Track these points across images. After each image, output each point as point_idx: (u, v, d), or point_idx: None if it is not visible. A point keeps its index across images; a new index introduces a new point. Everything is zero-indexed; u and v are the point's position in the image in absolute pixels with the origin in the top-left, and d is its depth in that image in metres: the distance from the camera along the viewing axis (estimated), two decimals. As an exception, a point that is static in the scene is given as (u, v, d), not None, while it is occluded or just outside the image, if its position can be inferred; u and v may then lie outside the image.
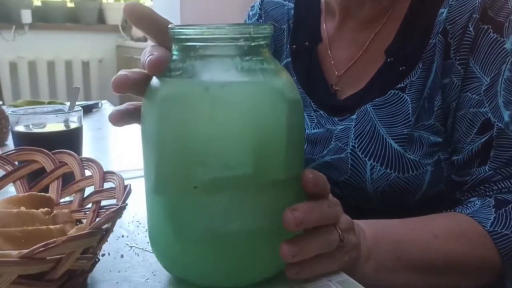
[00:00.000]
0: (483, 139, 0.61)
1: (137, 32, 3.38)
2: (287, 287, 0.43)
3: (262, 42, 0.41)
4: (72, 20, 3.37)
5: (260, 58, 0.41)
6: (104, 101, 1.52)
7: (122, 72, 0.44)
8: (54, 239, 0.33)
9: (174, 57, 0.42)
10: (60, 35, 3.30)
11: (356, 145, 0.66)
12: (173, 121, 0.39)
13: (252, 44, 0.40)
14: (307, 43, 0.76)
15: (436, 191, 0.65)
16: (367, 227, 0.49)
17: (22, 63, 3.18)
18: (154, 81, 0.42)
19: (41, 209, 0.42)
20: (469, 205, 0.61)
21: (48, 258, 0.34)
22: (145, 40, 3.27)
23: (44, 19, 3.28)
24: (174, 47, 0.41)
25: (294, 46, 0.77)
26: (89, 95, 3.34)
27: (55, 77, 3.29)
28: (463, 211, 0.60)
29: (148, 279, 0.45)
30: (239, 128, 0.38)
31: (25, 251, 0.33)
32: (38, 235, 0.37)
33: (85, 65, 3.38)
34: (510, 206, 0.58)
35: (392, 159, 0.64)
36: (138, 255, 0.50)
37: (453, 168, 0.65)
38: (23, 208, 0.41)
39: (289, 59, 0.78)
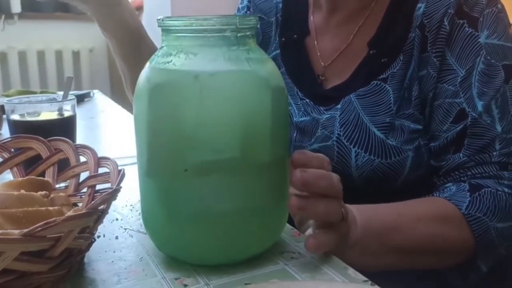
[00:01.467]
0: (458, 128, 0.64)
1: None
2: (273, 263, 0.46)
3: (248, 33, 0.43)
4: (62, 9, 3.35)
5: (246, 48, 0.43)
6: (95, 91, 1.54)
7: None
8: (54, 218, 0.35)
9: (164, 47, 0.44)
10: (50, 24, 3.28)
11: (341, 133, 0.69)
12: (164, 109, 0.42)
13: (238, 34, 0.42)
14: (295, 36, 0.79)
15: (417, 175, 0.68)
16: (359, 214, 0.52)
17: (12, 53, 3.16)
18: (146, 70, 0.44)
19: (40, 192, 0.44)
20: (445, 189, 0.64)
21: (48, 236, 0.36)
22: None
23: (34, 9, 3.25)
24: (164, 37, 0.44)
25: (283, 39, 0.80)
26: (80, 85, 3.33)
27: (46, 67, 3.27)
28: (440, 195, 0.63)
29: (142, 258, 0.47)
30: (226, 114, 0.41)
31: (27, 229, 0.35)
32: (38, 216, 0.39)
33: (76, 54, 3.36)
34: (483, 190, 0.61)
35: (375, 146, 0.67)
36: (132, 237, 0.52)
37: (430, 153, 0.68)
38: (23, 191, 0.43)
39: (278, 51, 0.81)
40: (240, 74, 0.42)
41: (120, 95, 3.13)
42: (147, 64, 0.45)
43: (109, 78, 3.54)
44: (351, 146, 0.68)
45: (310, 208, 0.44)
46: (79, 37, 3.36)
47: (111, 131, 1.13)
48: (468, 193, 0.62)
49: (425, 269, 0.61)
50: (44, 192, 0.45)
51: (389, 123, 0.67)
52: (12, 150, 0.57)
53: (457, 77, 0.64)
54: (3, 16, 3.12)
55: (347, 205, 0.51)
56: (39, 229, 0.35)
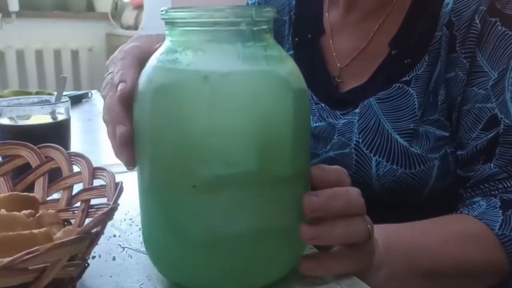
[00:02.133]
0: (489, 136, 0.59)
1: (127, 20, 3.32)
2: (293, 292, 0.40)
3: (265, 27, 0.37)
4: (60, 8, 3.29)
5: (263, 44, 0.37)
6: (94, 91, 1.48)
7: (122, 82, 0.40)
8: (37, 247, 0.30)
9: (169, 43, 0.38)
10: (48, 23, 3.22)
11: (360, 140, 0.64)
12: (169, 114, 0.36)
13: (255, 28, 0.36)
14: (309, 35, 0.73)
15: (444, 186, 0.63)
16: (378, 233, 0.46)
17: (9, 52, 3.10)
18: (147, 70, 0.38)
19: (24, 211, 0.38)
20: (474, 206, 0.58)
21: (30, 268, 0.30)
22: (135, 28, 3.21)
23: (32, 7, 3.19)
24: (168, 31, 0.38)
25: (296, 39, 0.75)
26: (79, 85, 3.28)
27: (44, 67, 3.21)
28: (470, 213, 0.57)
29: (142, 284, 0.42)
30: (241, 121, 0.35)
31: (5, 260, 0.29)
32: (20, 241, 0.33)
33: (75, 54, 3.30)
34: None
35: (398, 154, 0.62)
36: (131, 257, 0.46)
37: (458, 163, 0.63)
38: (3, 211, 0.37)
39: (291, 52, 0.75)
40: (257, 74, 0.36)
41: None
42: (148, 63, 0.39)
43: (109, 78, 3.48)
44: (371, 155, 0.63)
45: (325, 235, 0.38)
46: (78, 36, 3.30)
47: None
48: (501, 211, 0.56)
49: None
50: (29, 210, 0.39)
51: (413, 130, 0.61)
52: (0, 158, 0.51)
53: (489, 80, 0.59)
54: (1, 15, 3.06)
55: None
56: (19, 260, 0.29)
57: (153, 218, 0.39)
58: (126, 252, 0.47)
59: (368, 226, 0.41)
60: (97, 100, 1.40)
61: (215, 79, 0.35)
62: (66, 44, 3.26)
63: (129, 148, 0.39)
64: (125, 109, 0.40)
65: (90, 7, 3.41)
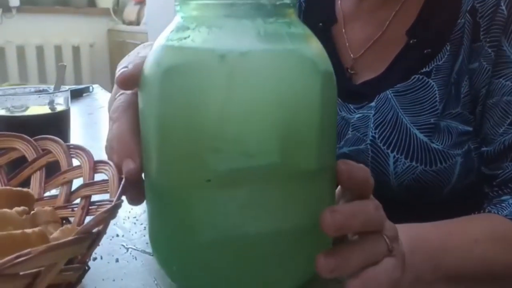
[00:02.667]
0: None
1: (129, 15, 3.28)
2: (316, 299, 0.36)
3: (288, 1, 0.33)
4: (61, 3, 3.25)
5: (286, 20, 0.33)
6: (95, 85, 1.44)
7: (124, 67, 0.36)
8: (30, 249, 0.25)
9: (180, 20, 0.34)
10: (49, 18, 3.18)
11: (377, 136, 0.60)
12: (180, 99, 0.31)
13: (277, 2, 0.32)
14: (320, 24, 0.69)
15: (466, 183, 0.59)
16: (401, 235, 0.42)
17: (10, 47, 3.07)
18: (156, 49, 0.34)
19: (16, 208, 0.34)
20: (503, 204, 0.54)
21: (22, 273, 0.26)
22: (137, 23, 3.16)
23: (32, 2, 3.15)
24: (179, 7, 0.33)
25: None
26: (80, 81, 3.24)
27: (45, 62, 3.18)
28: (499, 212, 0.53)
29: (148, 289, 0.37)
30: (263, 107, 0.31)
31: (-7, 264, 0.25)
32: (11, 242, 0.29)
33: (76, 49, 3.26)
34: None
35: (417, 150, 0.58)
36: (136, 259, 0.42)
37: (483, 160, 0.59)
38: (-8, 208, 0.33)
39: None
40: (281, 54, 0.32)
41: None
42: (156, 44, 0.35)
43: (110, 74, 3.44)
44: (389, 151, 0.59)
45: (344, 265, 0.34)
46: (79, 32, 3.27)
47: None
48: None
49: None
50: (22, 208, 0.35)
51: (434, 124, 0.57)
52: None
53: None
54: (1, 10, 3.02)
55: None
56: (9, 264, 0.25)
57: (161, 216, 0.35)
58: (130, 253, 0.43)
59: (387, 241, 0.37)
60: (99, 95, 1.36)
61: (233, 58, 0.30)
62: (67, 39, 3.22)
63: (136, 186, 0.35)
64: (135, 140, 0.35)
65: (92, 2, 3.38)
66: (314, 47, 0.34)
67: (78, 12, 3.27)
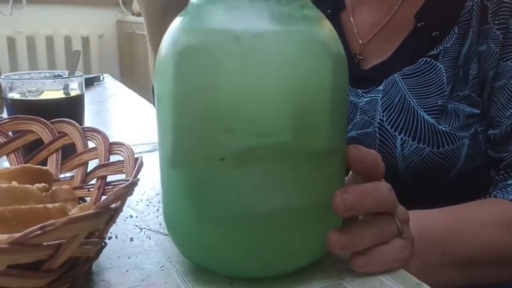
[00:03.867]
0: None
1: (138, 6, 3.28)
2: (325, 276, 0.37)
3: None
4: (70, -6, 3.26)
5: (300, 2, 0.34)
6: (106, 74, 1.45)
7: None
8: (53, 221, 0.27)
9: (194, 1, 0.34)
10: (58, 9, 3.19)
11: (384, 118, 0.60)
12: (195, 79, 0.32)
13: (291, -15, 0.33)
14: (329, 10, 0.69)
15: (473, 166, 0.60)
16: (411, 221, 0.43)
17: (20, 38, 3.08)
18: (170, 32, 0.35)
19: (37, 185, 0.35)
20: (508, 189, 0.55)
21: (45, 244, 0.27)
22: (146, 14, 3.17)
23: (42, -7, 3.17)
24: (195, -11, 0.34)
25: None
26: (89, 71, 3.25)
27: (54, 53, 3.19)
28: (505, 197, 0.54)
29: (162, 266, 0.38)
30: (275, 86, 0.31)
31: (17, 235, 0.26)
32: (33, 216, 0.30)
33: (85, 40, 3.28)
34: None
35: (425, 132, 0.58)
36: (149, 238, 0.43)
37: (489, 142, 0.59)
38: (14, 183, 0.34)
39: None
40: (294, 35, 0.32)
41: (129, 81, 3.04)
42: (172, 25, 0.35)
43: (119, 64, 3.46)
44: (396, 133, 0.59)
45: (355, 242, 0.35)
46: (89, 23, 3.28)
47: (122, 116, 1.04)
48: None
49: (488, 282, 0.52)
50: (42, 184, 0.36)
51: (441, 106, 0.58)
52: (10, 133, 0.48)
53: None
54: (11, 1, 3.03)
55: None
56: (33, 234, 0.26)
57: (176, 194, 0.36)
58: (144, 233, 0.44)
59: (398, 223, 0.38)
60: (109, 84, 1.37)
61: (247, 39, 0.31)
62: (76, 30, 3.23)
63: None
64: None
65: (101, -7, 3.38)
66: (327, 29, 0.34)
67: (87, 3, 3.28)
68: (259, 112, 0.32)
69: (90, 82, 1.31)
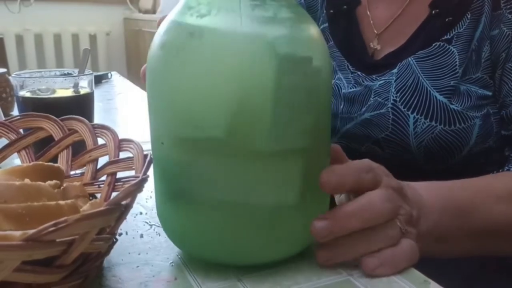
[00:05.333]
0: None
1: (145, 4, 3.29)
2: (334, 273, 0.37)
3: None
4: (78, -8, 3.28)
5: (278, 3, 0.34)
6: (113, 72, 1.46)
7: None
8: (65, 218, 0.27)
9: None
10: (66, 7, 3.21)
11: (398, 99, 0.62)
12: (154, 70, 0.35)
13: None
14: (345, 6, 0.71)
15: (484, 147, 0.60)
16: (432, 195, 0.44)
17: (28, 35, 3.11)
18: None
19: (49, 182, 0.36)
20: None
21: (58, 240, 0.28)
22: (153, 12, 3.18)
23: (50, -9, 3.18)
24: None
25: (331, 11, 0.72)
26: (97, 69, 3.27)
27: (62, 51, 3.21)
28: None
29: (172, 262, 0.39)
30: (213, 85, 0.33)
31: (31, 231, 0.26)
32: (46, 212, 0.31)
33: (92, 38, 3.29)
34: None
35: (437, 111, 0.59)
36: (159, 235, 0.44)
37: (503, 122, 0.60)
38: (27, 180, 0.34)
39: (325, 24, 0.73)
40: (238, 35, 0.33)
41: (137, 78, 3.05)
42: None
43: (126, 62, 3.47)
44: (409, 112, 0.61)
45: (342, 255, 0.37)
46: (96, 20, 3.29)
47: (130, 114, 1.05)
48: None
49: (502, 254, 0.53)
50: (54, 181, 0.36)
51: (454, 87, 0.59)
52: (21, 131, 0.49)
53: None
54: (19, -1, 3.05)
55: (413, 186, 0.43)
56: (47, 231, 0.26)
57: (156, 184, 0.39)
58: (154, 230, 0.45)
59: (399, 224, 0.38)
60: (117, 81, 1.38)
61: (198, 36, 0.33)
62: (84, 28, 3.25)
63: None
64: None
65: (108, -9, 3.39)
66: (284, 30, 0.34)
67: (94, 0, 3.30)
68: (196, 106, 0.33)
69: (98, 80, 1.32)
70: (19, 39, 3.09)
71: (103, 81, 1.36)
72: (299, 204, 0.36)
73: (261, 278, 0.36)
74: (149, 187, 0.55)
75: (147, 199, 0.52)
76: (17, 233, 0.28)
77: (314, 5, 0.75)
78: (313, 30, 0.36)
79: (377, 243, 0.37)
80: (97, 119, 0.87)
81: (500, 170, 0.57)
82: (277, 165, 0.34)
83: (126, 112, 1.07)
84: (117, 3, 3.37)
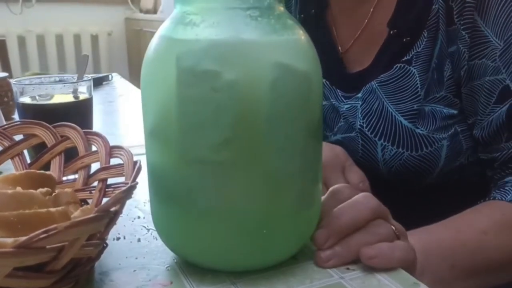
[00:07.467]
0: (504, 108, 0.55)
1: (146, 4, 3.30)
2: (326, 275, 0.38)
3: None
4: (79, -8, 3.29)
5: (276, 13, 0.35)
6: (114, 74, 1.47)
7: None
8: (55, 225, 0.28)
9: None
10: (68, 7, 3.23)
11: (365, 125, 0.62)
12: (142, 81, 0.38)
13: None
14: (313, 10, 0.70)
15: (456, 166, 0.61)
16: (414, 240, 0.44)
17: (30, 36, 3.12)
18: None
19: (40, 189, 0.37)
20: (506, 188, 0.55)
21: (48, 247, 0.29)
22: (154, 12, 3.19)
23: (51, -8, 3.20)
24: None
25: (302, 16, 0.71)
26: (99, 69, 3.29)
27: (64, 51, 3.23)
28: (503, 198, 0.54)
29: (168, 266, 0.40)
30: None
31: (22, 239, 0.28)
32: (37, 220, 0.32)
33: (94, 38, 3.31)
34: None
35: (403, 137, 0.59)
36: (156, 239, 0.45)
37: (478, 144, 0.60)
38: (19, 189, 0.36)
39: None
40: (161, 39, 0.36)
41: (138, 79, 3.06)
42: None
43: (128, 62, 3.48)
44: (376, 139, 0.61)
45: (342, 254, 0.39)
46: (97, 21, 3.31)
47: (131, 116, 1.05)
48: None
49: (503, 283, 0.53)
50: (45, 189, 0.37)
51: (417, 110, 0.59)
52: (16, 138, 0.50)
53: (496, 50, 0.55)
54: (21, 0, 3.07)
55: None
56: (37, 238, 0.28)
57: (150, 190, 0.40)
58: (151, 234, 0.46)
59: (392, 227, 0.40)
60: (118, 83, 1.39)
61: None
62: (86, 28, 3.26)
63: None
64: None
65: (109, -9, 3.40)
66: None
67: (96, 1, 3.31)
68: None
69: (99, 82, 1.33)
70: (21, 40, 3.11)
71: (104, 83, 1.37)
72: (289, 210, 0.36)
73: (255, 281, 0.37)
74: (147, 191, 0.56)
75: (145, 203, 0.53)
76: (9, 240, 0.29)
77: (288, 7, 0.73)
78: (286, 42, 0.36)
79: (372, 240, 0.39)
80: (98, 122, 0.88)
81: (487, 199, 0.56)
82: (239, 174, 0.35)
83: (127, 114, 1.08)
84: (118, 3, 3.38)
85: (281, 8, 0.35)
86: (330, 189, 0.43)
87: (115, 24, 3.39)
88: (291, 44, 0.35)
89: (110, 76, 1.41)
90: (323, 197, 0.42)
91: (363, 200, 0.40)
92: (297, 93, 0.34)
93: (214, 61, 0.32)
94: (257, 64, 0.33)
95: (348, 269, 0.38)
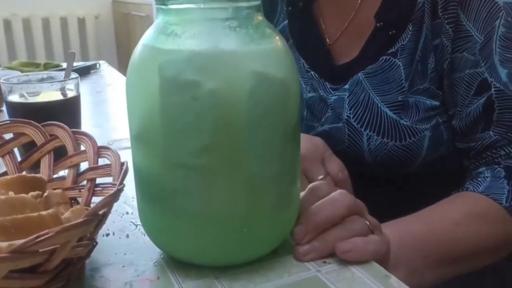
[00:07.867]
0: (481, 100, 0.58)
1: (133, -14, 3.26)
2: (303, 269, 0.40)
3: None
4: (65, -26, 3.24)
5: (254, 22, 0.37)
6: (102, 62, 1.46)
7: None
8: (47, 231, 0.30)
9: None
10: (54, -10, 3.18)
11: (351, 116, 0.64)
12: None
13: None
14: (301, 3, 0.71)
15: (437, 155, 0.63)
16: (388, 232, 0.46)
17: (16, 20, 3.08)
18: None
19: (31, 193, 0.39)
20: (479, 179, 0.58)
21: (41, 250, 0.31)
22: (142, -6, 3.15)
23: (37, -26, 3.14)
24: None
25: (289, 8, 0.72)
26: (87, 55, 3.26)
27: (51, 35, 3.19)
28: (475, 189, 0.56)
29: (155, 262, 0.42)
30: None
31: (16, 243, 0.30)
32: (29, 224, 0.34)
33: (81, 21, 3.27)
34: None
35: (388, 127, 0.62)
36: (144, 235, 0.46)
37: (456, 134, 0.62)
38: (11, 193, 0.37)
39: (285, 22, 0.73)
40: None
41: (126, 67, 3.03)
42: None
43: (116, 47, 3.45)
44: (362, 129, 0.63)
45: (320, 248, 0.41)
46: (84, 3, 3.26)
47: (119, 106, 1.04)
48: (506, 181, 0.56)
49: (476, 270, 0.55)
50: (36, 192, 0.39)
51: (402, 102, 0.61)
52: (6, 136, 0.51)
53: (476, 44, 0.57)
54: (6, -17, 3.02)
55: None
56: (30, 243, 0.30)
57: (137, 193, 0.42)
58: (139, 230, 0.48)
59: (367, 222, 0.43)
60: (106, 72, 1.39)
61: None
62: (72, 11, 3.22)
63: None
64: None
65: (95, -27, 3.35)
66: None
67: (82, -17, 3.26)
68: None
69: (86, 71, 1.33)
70: (7, 24, 3.07)
71: (92, 71, 1.36)
72: (268, 211, 0.39)
73: (237, 276, 0.39)
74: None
75: (133, 198, 0.55)
76: (4, 245, 0.31)
77: (275, 2, 0.74)
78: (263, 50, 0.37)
79: (347, 235, 0.41)
80: (86, 113, 0.88)
81: (460, 190, 0.58)
82: (220, 178, 0.36)
83: (116, 104, 1.07)
84: (105, -15, 3.34)
85: (259, 17, 0.37)
86: (309, 186, 0.45)
87: (102, 7, 3.35)
88: (268, 53, 0.36)
89: (97, 65, 1.41)
90: (302, 193, 0.44)
91: (340, 197, 0.42)
92: (274, 100, 0.35)
93: (195, 71, 0.34)
94: (236, 73, 0.34)
95: (324, 262, 0.41)
